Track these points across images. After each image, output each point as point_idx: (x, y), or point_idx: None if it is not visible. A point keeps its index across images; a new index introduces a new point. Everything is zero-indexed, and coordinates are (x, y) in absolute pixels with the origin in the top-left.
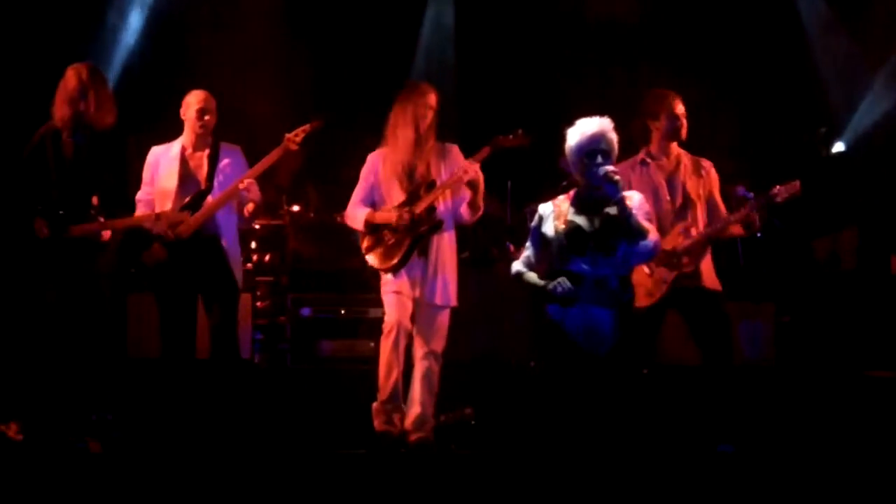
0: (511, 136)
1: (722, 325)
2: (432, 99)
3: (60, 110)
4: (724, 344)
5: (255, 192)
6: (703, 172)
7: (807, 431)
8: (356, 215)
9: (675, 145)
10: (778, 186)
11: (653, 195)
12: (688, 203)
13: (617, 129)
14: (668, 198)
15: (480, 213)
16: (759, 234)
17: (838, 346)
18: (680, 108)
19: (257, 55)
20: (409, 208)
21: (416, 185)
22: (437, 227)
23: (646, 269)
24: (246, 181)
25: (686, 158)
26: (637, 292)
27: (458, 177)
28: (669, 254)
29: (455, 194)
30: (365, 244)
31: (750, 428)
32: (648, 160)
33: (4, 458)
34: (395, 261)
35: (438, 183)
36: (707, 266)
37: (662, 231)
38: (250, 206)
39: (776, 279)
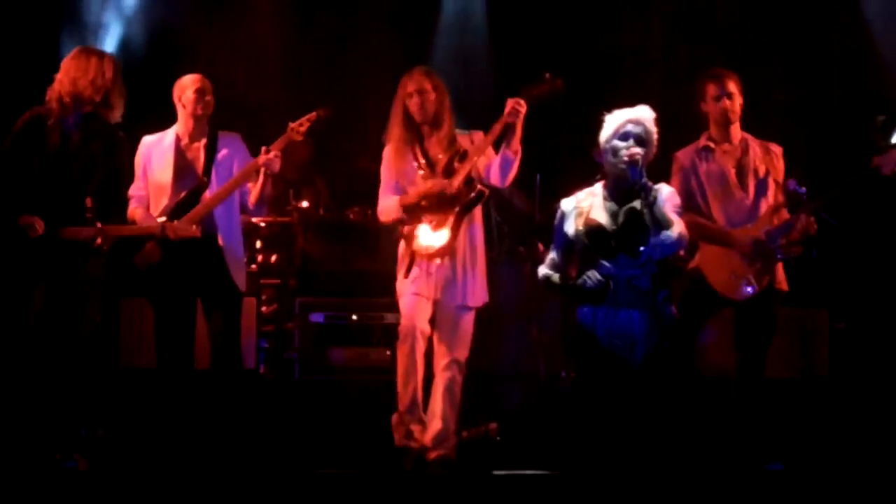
0: (540, 84)
1: (770, 331)
2: (411, 84)
3: (76, 95)
4: (762, 349)
5: (276, 166)
6: (773, 157)
7: (862, 448)
8: (388, 205)
9: (736, 128)
10: (877, 157)
11: (720, 182)
12: (763, 188)
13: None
14: (737, 183)
15: (520, 156)
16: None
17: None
18: (714, 91)
19: (260, 39)
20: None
21: (449, 158)
22: (479, 197)
23: (745, 262)
24: (272, 152)
25: (754, 142)
26: (736, 284)
27: (508, 111)
28: (767, 239)
29: (486, 158)
30: (405, 232)
31: (801, 445)
32: (712, 145)
33: None
34: (445, 239)
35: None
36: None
37: (738, 216)
38: (259, 187)
39: (830, 283)
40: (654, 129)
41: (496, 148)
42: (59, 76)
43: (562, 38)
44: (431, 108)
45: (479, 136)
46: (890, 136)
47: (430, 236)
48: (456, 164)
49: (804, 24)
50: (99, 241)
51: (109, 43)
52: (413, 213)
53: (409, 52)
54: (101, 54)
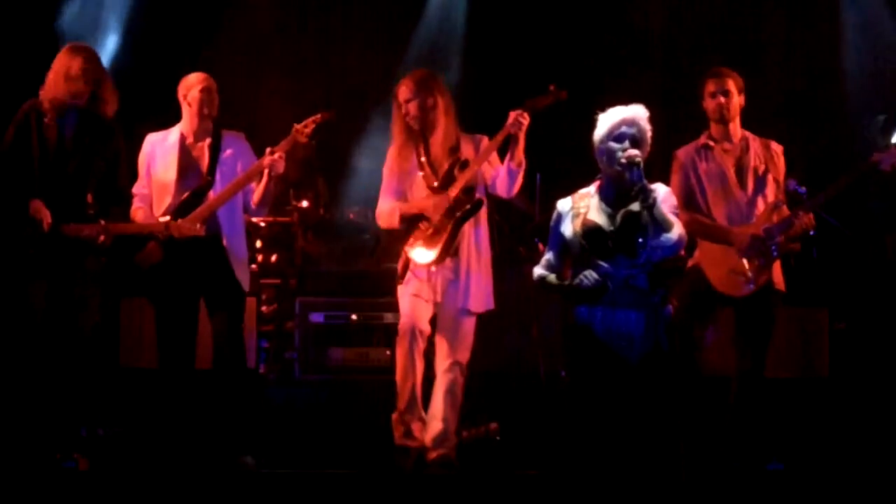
0: (545, 96)
1: (768, 330)
2: (403, 92)
3: (65, 91)
4: (762, 349)
5: (281, 167)
6: (774, 155)
7: (863, 449)
8: (387, 211)
9: (736, 127)
10: (877, 153)
11: (720, 180)
12: (762, 186)
13: (651, 120)
14: (736, 182)
15: (524, 167)
16: (812, 232)
17: None
18: (712, 88)
19: (263, 40)
20: (444, 193)
21: (450, 166)
22: (476, 207)
23: (743, 259)
24: (277, 153)
25: (755, 141)
26: (735, 281)
27: (510, 122)
28: (766, 236)
29: (491, 168)
30: (405, 240)
31: (801, 445)
32: (711, 143)
33: None
34: (436, 251)
35: (472, 161)
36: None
37: (737, 215)
38: (262, 188)
39: (830, 282)
40: (648, 129)
41: (499, 157)
42: (49, 75)
43: (561, 38)
44: (423, 115)
45: (484, 141)
46: (890, 135)
47: (425, 245)
48: (456, 173)
49: (804, 24)
50: (101, 238)
51: (110, 42)
52: (411, 221)
53: (409, 51)
54: (88, 56)
